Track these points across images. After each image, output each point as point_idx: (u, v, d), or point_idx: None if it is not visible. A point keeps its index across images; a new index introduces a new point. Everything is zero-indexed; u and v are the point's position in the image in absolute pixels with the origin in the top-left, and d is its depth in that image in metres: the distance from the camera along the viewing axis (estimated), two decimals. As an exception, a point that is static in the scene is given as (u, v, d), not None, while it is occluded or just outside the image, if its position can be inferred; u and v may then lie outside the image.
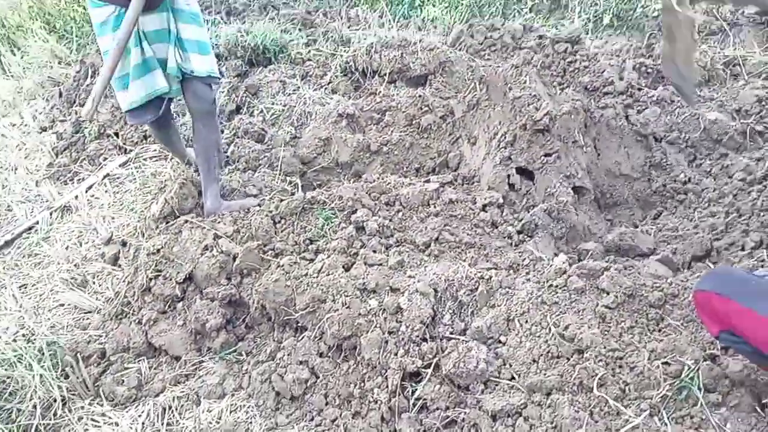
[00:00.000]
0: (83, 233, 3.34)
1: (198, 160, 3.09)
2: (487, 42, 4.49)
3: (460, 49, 4.38)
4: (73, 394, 2.41)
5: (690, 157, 3.43)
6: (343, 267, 2.57)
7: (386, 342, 2.26)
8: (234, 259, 2.73)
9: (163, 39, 2.76)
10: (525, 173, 3.13)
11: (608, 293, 2.23)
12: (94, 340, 2.64)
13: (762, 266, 2.44)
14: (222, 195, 3.11)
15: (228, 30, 4.73)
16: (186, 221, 2.91)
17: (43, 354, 2.50)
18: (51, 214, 3.53)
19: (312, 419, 2.21)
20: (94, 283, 2.97)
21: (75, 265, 3.08)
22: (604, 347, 2.05)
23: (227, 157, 3.67)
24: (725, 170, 3.24)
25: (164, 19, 2.74)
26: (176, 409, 2.33)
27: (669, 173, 3.31)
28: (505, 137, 3.18)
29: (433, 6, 5.69)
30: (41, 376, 2.40)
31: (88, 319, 2.78)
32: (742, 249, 2.62)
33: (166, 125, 3.22)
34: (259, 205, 3.02)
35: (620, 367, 2.01)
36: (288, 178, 3.47)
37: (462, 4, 5.81)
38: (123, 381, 2.43)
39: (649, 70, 3.99)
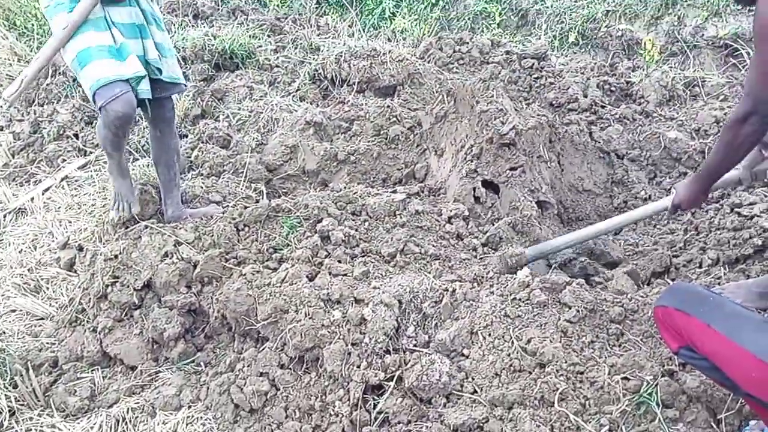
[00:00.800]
0: (38, 237, 3.23)
1: (159, 167, 3.01)
2: (456, 55, 4.52)
3: (428, 62, 4.40)
4: (22, 405, 2.32)
5: (651, 175, 3.51)
6: (307, 277, 2.53)
7: (349, 354, 2.23)
8: (195, 266, 2.67)
9: (134, 35, 2.64)
10: (490, 186, 3.16)
11: (570, 307, 2.25)
12: (46, 348, 2.55)
13: (718, 283, 2.50)
14: (184, 201, 3.05)
15: (195, 33, 4.66)
16: (146, 227, 2.84)
17: (-10, 362, 2.40)
18: (5, 216, 3.41)
19: (272, 432, 2.17)
20: (48, 288, 2.87)
21: (28, 270, 2.97)
22: (566, 361, 2.07)
23: (190, 162, 3.60)
24: (684, 188, 3.32)
25: (132, 14, 2.65)
26: (130, 421, 2.26)
27: (630, 190, 3.37)
28: (471, 150, 3.20)
29: (403, 18, 5.73)
30: (-13, 385, 2.30)
31: (40, 326, 2.68)
32: (700, 266, 2.68)
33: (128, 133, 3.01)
34: (223, 212, 2.97)
35: (581, 381, 2.02)
36: (253, 185, 3.42)
37: (431, 17, 5.87)
38: (75, 391, 2.34)
39: (613, 89, 4.08)
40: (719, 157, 2.09)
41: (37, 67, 2.44)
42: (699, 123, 3.66)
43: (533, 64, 4.26)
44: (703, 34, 4.85)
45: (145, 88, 2.61)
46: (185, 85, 2.89)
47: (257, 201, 3.26)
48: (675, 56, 4.81)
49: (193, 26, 5.01)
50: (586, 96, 3.96)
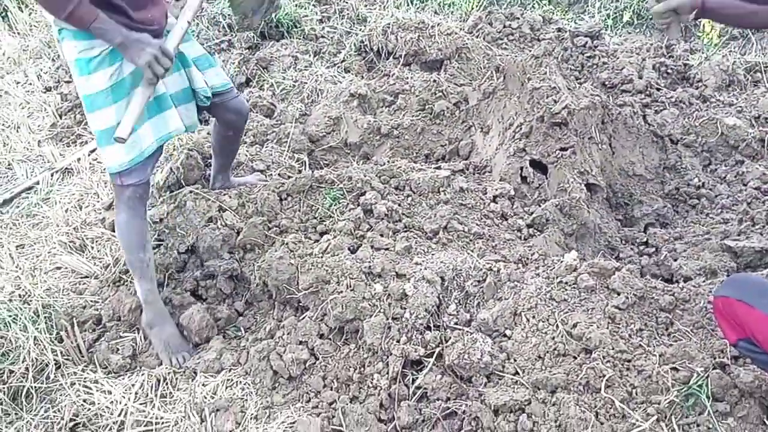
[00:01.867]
0: (84, 197, 3.28)
1: (219, 156, 2.84)
2: (506, 31, 4.40)
3: (477, 36, 4.29)
4: (67, 359, 2.36)
5: (705, 162, 3.38)
6: (349, 249, 2.51)
7: (389, 328, 2.21)
8: (238, 233, 2.68)
9: (176, 68, 2.27)
10: (538, 166, 3.08)
11: (619, 294, 2.19)
12: (90, 306, 2.59)
13: (776, 276, 2.40)
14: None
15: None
16: (191, 191, 2.85)
17: (38, 316, 2.45)
18: (52, 175, 3.46)
19: (309, 401, 2.17)
20: (92, 248, 2.91)
21: (74, 229, 3.02)
22: (613, 348, 2.01)
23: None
24: (740, 177, 3.20)
25: None
26: (170, 382, 2.29)
27: (683, 177, 3.26)
28: (520, 128, 3.12)
29: (451, -10, 5.60)
30: (35, 338, 2.35)
31: (84, 284, 2.72)
32: (760, 259, 2.57)
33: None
34: (266, 181, 2.97)
35: (628, 369, 1.97)
36: (295, 155, 3.41)
37: (480, -10, 5.71)
38: (118, 349, 2.38)
39: (669, 71, 3.93)
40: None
41: (138, 109, 2.07)
42: (759, 110, 3.50)
43: (586, 42, 4.12)
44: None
45: (192, 121, 2.40)
46: (233, 88, 2.56)
47: (300, 171, 3.25)
48: (735, 40, 4.61)
49: (239, -6, 4.98)
50: (641, 77, 3.82)
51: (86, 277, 2.79)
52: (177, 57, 2.20)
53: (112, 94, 2.10)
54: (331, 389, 2.19)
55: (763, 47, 4.42)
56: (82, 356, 2.39)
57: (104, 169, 3.06)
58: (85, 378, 2.30)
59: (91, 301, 2.63)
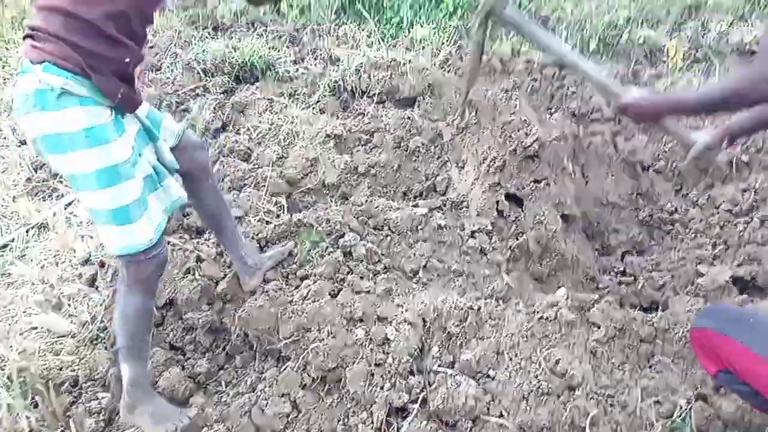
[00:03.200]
0: (60, 252, 3.23)
1: (223, 222, 2.51)
2: (476, 65, 4.47)
3: (448, 72, 4.36)
4: (42, 425, 2.30)
5: (677, 187, 3.43)
6: (330, 294, 2.50)
7: (372, 375, 2.19)
8: (216, 283, 2.66)
9: (145, 141, 2.03)
10: (514, 199, 3.11)
11: (599, 327, 2.20)
12: (67, 367, 2.54)
13: (752, 301, 2.43)
14: None
15: (215, 45, 4.67)
16: (168, 242, 2.83)
17: (12, 381, 2.39)
18: (27, 231, 3.42)
19: (294, 455, 2.14)
20: (69, 305, 2.86)
21: (50, 286, 2.97)
22: (596, 384, 2.02)
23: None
24: (711, 200, 3.25)
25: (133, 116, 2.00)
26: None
27: (656, 203, 3.31)
28: (494, 162, 3.16)
29: (421, 27, 5.69)
30: (8, 405, 2.29)
31: (61, 343, 2.67)
32: (732, 283, 2.60)
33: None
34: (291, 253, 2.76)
35: (612, 405, 1.97)
36: (274, 199, 3.40)
37: (450, 25, 5.82)
38: (95, 411, 2.33)
39: (637, 98, 4.00)
40: (707, 98, 1.92)
41: None
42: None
43: (555, 73, 4.20)
44: (727, 40, 4.76)
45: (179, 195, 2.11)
46: (184, 129, 2.25)
47: (278, 216, 3.24)
48: (699, 63, 4.72)
49: (213, 38, 5.02)
50: (609, 106, 3.89)
51: (62, 336, 2.74)
52: (143, 131, 2.01)
53: (133, 161, 1.89)
54: (316, 441, 2.15)
55: (726, 69, 4.53)
56: (58, 421, 2.33)
57: (104, 253, 2.78)
58: (62, 443, 2.25)
59: (68, 361, 2.57)
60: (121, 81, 1.81)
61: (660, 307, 2.56)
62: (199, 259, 2.75)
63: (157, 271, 2.06)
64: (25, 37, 1.77)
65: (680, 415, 1.88)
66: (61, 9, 1.70)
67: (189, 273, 2.69)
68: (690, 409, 1.89)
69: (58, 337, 2.69)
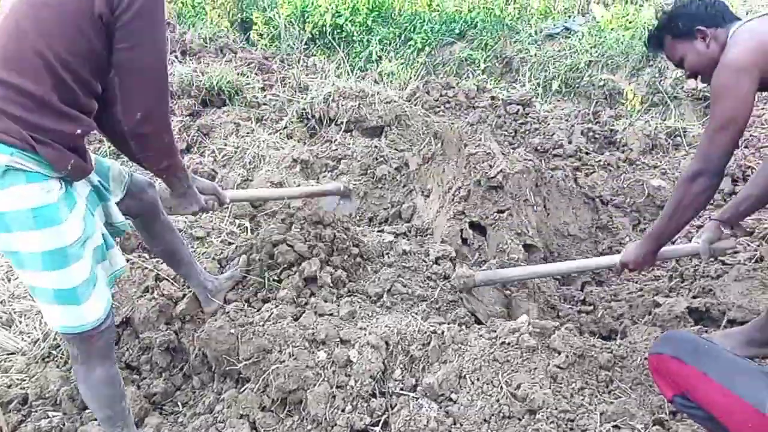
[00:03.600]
0: (11, 268, 3.12)
1: (178, 255, 2.46)
2: (442, 99, 4.58)
3: (415, 104, 4.45)
4: (-13, 445, 2.20)
5: (634, 221, 3.54)
6: (292, 316, 2.48)
7: (334, 397, 2.16)
8: (176, 303, 2.60)
9: (95, 202, 1.91)
10: (477, 228, 3.15)
11: (560, 353, 2.22)
12: (16, 385, 2.44)
13: (706, 331, 2.49)
14: None
15: (182, 69, 4.67)
16: (127, 260, 2.76)
17: (-43, 399, 2.28)
18: (-22, 246, 3.30)
19: (251, 478, 2.08)
20: (20, 322, 2.76)
21: (1, 302, 2.86)
22: (556, 408, 2.02)
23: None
24: (668, 236, 3.35)
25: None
26: (101, 465, 2.15)
27: (615, 236, 3.40)
28: (459, 192, 3.21)
29: (389, 61, 5.82)
30: (-48, 423, 2.18)
31: (11, 361, 2.57)
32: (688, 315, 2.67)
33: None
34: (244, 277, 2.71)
35: (571, 429, 1.98)
36: (237, 221, 3.38)
37: (417, 61, 5.97)
38: (45, 430, 2.23)
39: (597, 136, 4.15)
40: (668, 217, 2.14)
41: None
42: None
43: (518, 110, 4.33)
44: (683, 86, 5.00)
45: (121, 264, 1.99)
46: (129, 176, 2.14)
47: (241, 236, 3.21)
48: (656, 106, 4.94)
49: (181, 62, 5.02)
50: (570, 142, 4.02)
51: (12, 353, 2.63)
52: (94, 191, 1.91)
53: (84, 238, 1.76)
54: (274, 465, 2.10)
55: (681, 113, 4.74)
56: (5, 441, 2.23)
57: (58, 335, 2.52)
58: (6, 465, 2.14)
59: (17, 379, 2.47)
60: (70, 151, 1.69)
61: (618, 336, 2.61)
62: (158, 278, 2.70)
63: (109, 341, 1.92)
64: None
65: (638, 440, 1.90)
66: (2, 80, 1.58)
67: (147, 291, 2.63)
68: (647, 433, 1.91)
69: (7, 354, 2.59)
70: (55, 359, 2.48)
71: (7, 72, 1.59)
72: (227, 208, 3.39)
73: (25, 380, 2.45)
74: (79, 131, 1.70)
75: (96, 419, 2.22)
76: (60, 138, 1.65)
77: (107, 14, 1.62)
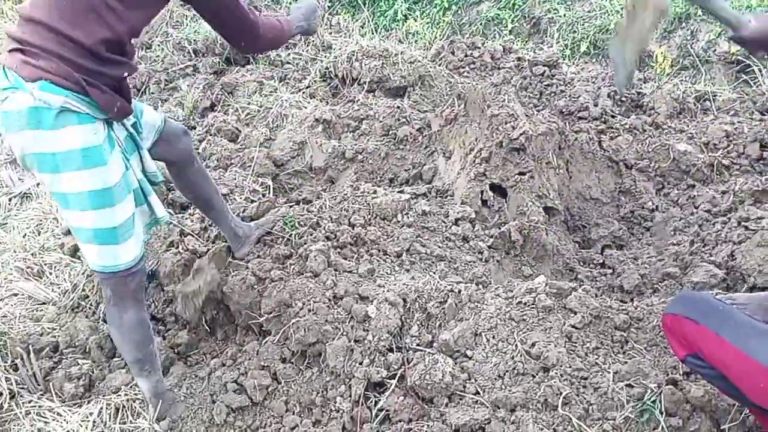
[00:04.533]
0: (42, 222, 3.22)
1: (212, 201, 2.50)
2: (467, 60, 4.52)
3: (440, 65, 4.40)
4: (22, 388, 2.31)
5: (658, 186, 3.49)
6: (312, 272, 2.52)
7: (352, 350, 2.22)
8: (200, 258, 2.67)
9: (132, 149, 1.98)
10: (498, 190, 3.15)
11: (575, 313, 2.24)
12: (48, 333, 2.54)
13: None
14: None
15: (207, 26, 4.66)
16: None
17: (-9, 344, 2.39)
18: (10, 200, 3.41)
19: (272, 425, 2.16)
20: (50, 274, 2.86)
21: (32, 254, 2.97)
22: (570, 366, 2.06)
23: (198, 154, 3.60)
24: (691, 201, 3.31)
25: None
26: (131, 410, 2.25)
27: (637, 200, 3.36)
28: (480, 153, 3.20)
29: (415, 21, 5.73)
30: (-12, 366, 2.29)
31: (42, 310, 2.67)
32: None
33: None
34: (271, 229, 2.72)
35: (584, 387, 2.01)
36: (260, 180, 3.42)
37: (443, 21, 5.87)
38: (76, 377, 2.33)
39: (623, 99, 4.07)
40: None
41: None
42: (709, 137, 3.64)
43: (544, 71, 4.26)
44: (715, 50, 4.85)
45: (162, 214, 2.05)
46: (164, 122, 2.20)
47: (264, 195, 3.26)
48: (686, 70, 4.81)
49: (205, 20, 5.02)
50: (596, 105, 3.95)
51: (43, 303, 2.74)
52: (129, 137, 1.97)
53: (125, 181, 1.86)
54: (294, 414, 2.18)
55: (712, 77, 4.62)
56: (38, 385, 2.34)
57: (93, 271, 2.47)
58: (41, 407, 2.25)
59: (49, 328, 2.58)
60: (117, 94, 1.80)
61: (636, 298, 2.62)
62: (182, 233, 2.76)
63: (140, 283, 2.02)
64: (11, 50, 1.69)
65: (650, 398, 1.93)
66: (55, 29, 1.65)
67: (172, 246, 2.70)
68: (660, 392, 1.93)
69: (39, 304, 2.69)
70: (84, 310, 2.57)
71: (58, 22, 1.67)
72: (250, 166, 3.43)
73: (56, 329, 2.55)
74: (125, 74, 1.83)
75: (123, 367, 2.33)
76: (108, 81, 1.77)
77: None
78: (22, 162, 1.81)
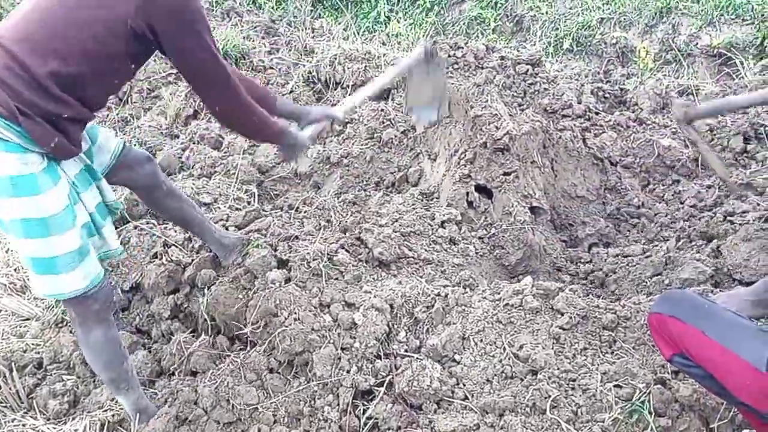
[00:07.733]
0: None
1: (190, 218, 2.46)
2: (450, 60, 4.50)
3: (423, 66, 4.38)
4: (5, 406, 2.27)
5: (644, 182, 3.50)
6: (298, 281, 2.50)
7: (339, 359, 2.20)
8: (184, 268, 2.64)
9: (87, 182, 1.91)
10: (484, 191, 3.14)
11: (563, 314, 2.23)
12: (31, 349, 2.50)
13: (711, 292, 2.49)
14: None
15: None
16: (135, 227, 2.80)
17: (-26, 363, 2.35)
18: (-9, 214, 3.35)
19: (259, 437, 2.13)
20: (33, 289, 2.82)
21: (14, 270, 2.92)
22: (558, 368, 2.05)
23: (181, 163, 3.56)
24: (677, 196, 3.32)
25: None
26: (116, 425, 2.22)
27: (623, 197, 3.37)
28: (465, 155, 3.19)
29: (398, 22, 5.72)
30: (-30, 386, 2.26)
31: (25, 326, 2.64)
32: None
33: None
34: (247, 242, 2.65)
35: (573, 388, 2.00)
36: (244, 187, 3.39)
37: (426, 21, 5.86)
38: (59, 394, 2.30)
39: (607, 95, 4.08)
40: None
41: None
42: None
43: (528, 69, 4.25)
44: (697, 43, 4.88)
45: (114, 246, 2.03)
46: (122, 148, 2.12)
47: (248, 202, 3.23)
48: (669, 64, 4.83)
49: (186, 27, 4.98)
50: (580, 102, 3.96)
51: (27, 319, 2.70)
52: (85, 170, 1.90)
53: (70, 213, 1.78)
54: (282, 425, 2.15)
55: (695, 70, 4.64)
56: (22, 402, 2.30)
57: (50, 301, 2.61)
58: (24, 425, 2.21)
59: (32, 344, 2.54)
60: (55, 130, 1.70)
61: (623, 297, 2.61)
62: (166, 245, 2.73)
63: (105, 304, 1.95)
64: None
65: (639, 398, 1.92)
66: (9, 50, 1.60)
67: (156, 257, 2.67)
68: (649, 392, 1.93)
69: (22, 320, 2.65)
70: (68, 325, 2.53)
71: (18, 43, 1.63)
72: (234, 173, 3.41)
73: (39, 345, 2.51)
74: (66, 115, 1.70)
75: (108, 382, 2.29)
76: (45, 116, 1.67)
77: (142, 27, 1.68)
78: None
